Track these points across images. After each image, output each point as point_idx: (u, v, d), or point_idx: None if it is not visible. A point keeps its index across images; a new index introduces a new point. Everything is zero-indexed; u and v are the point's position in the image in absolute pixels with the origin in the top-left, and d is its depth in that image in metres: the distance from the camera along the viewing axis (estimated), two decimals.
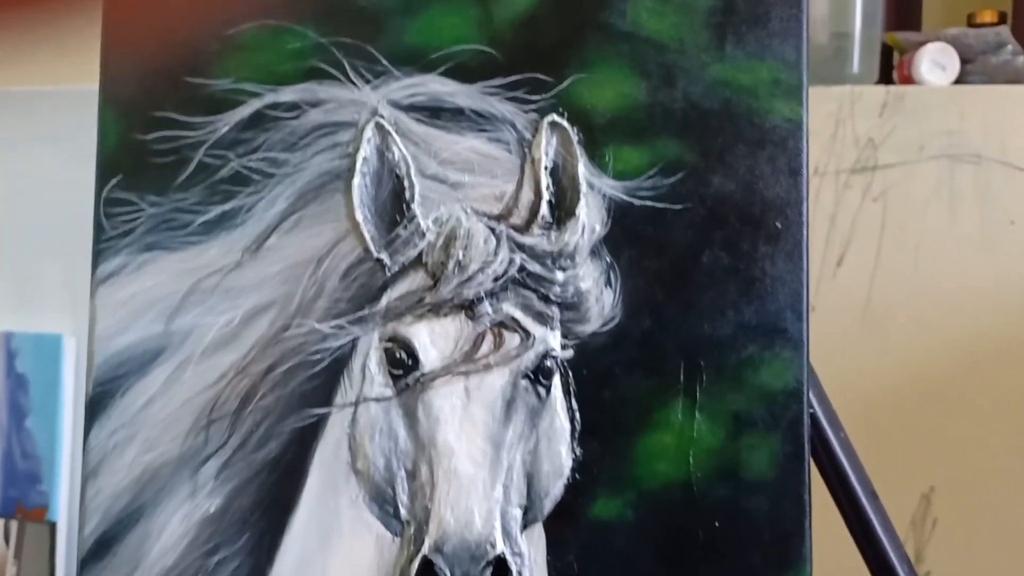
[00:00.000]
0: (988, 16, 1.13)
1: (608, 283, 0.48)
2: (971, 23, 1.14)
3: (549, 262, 0.48)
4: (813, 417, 0.51)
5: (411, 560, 0.46)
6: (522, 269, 0.48)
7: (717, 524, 0.47)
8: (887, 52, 1.18)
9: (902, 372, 1.13)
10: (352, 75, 0.48)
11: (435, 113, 0.48)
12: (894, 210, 1.11)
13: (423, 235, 0.48)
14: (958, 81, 1.10)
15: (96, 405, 0.46)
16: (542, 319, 0.48)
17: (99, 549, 0.46)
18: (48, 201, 1.18)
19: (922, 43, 1.10)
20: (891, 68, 1.16)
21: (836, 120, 1.10)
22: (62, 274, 1.20)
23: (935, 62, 1.10)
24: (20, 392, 1.20)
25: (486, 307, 0.48)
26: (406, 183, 0.48)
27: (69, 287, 1.19)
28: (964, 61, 1.11)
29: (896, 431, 1.13)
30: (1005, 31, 1.10)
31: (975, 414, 1.11)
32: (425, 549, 0.46)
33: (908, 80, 1.11)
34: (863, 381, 1.14)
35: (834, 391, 1.12)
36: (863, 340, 1.14)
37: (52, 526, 1.17)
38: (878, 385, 1.14)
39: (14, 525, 1.19)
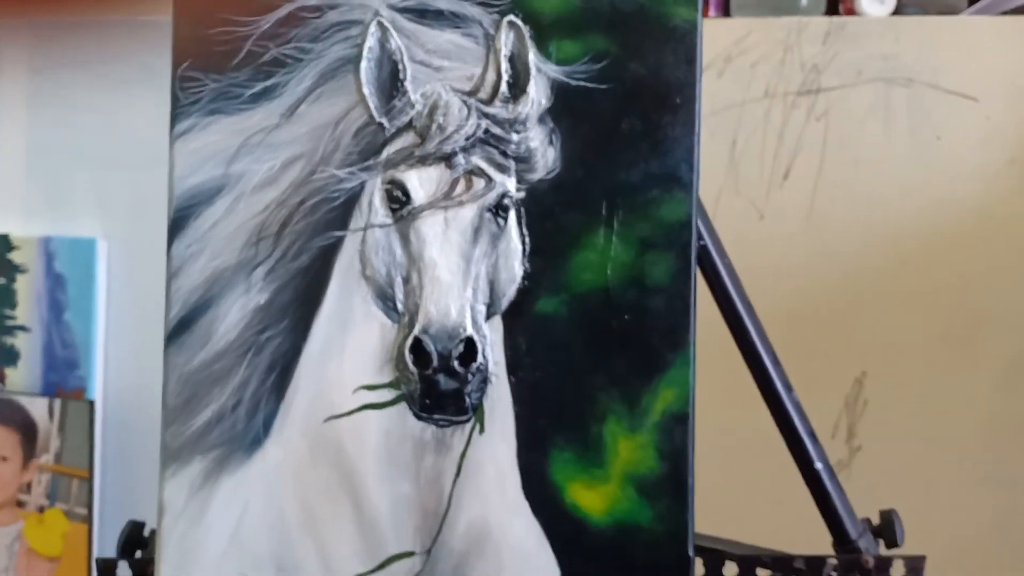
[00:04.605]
0: None
1: (551, 143, 0.63)
2: None
3: (507, 126, 0.63)
4: (704, 247, 0.67)
5: (405, 339, 0.62)
6: (487, 131, 0.63)
7: (627, 317, 0.62)
8: None
9: (840, 270, 1.20)
10: None
11: (422, 14, 0.63)
12: (835, 128, 1.20)
13: (413, 106, 0.63)
14: (896, 12, 1.21)
15: (176, 226, 0.62)
16: (502, 169, 0.63)
17: (180, 328, 0.62)
18: (76, 121, 1.26)
19: None
20: (837, 1, 1.27)
21: (785, 47, 1.21)
22: (92, 185, 1.28)
23: None
24: (58, 290, 1.27)
25: (460, 159, 0.63)
26: (400, 67, 0.63)
27: (99, 196, 1.28)
28: None
29: (833, 322, 1.21)
30: None
31: (904, 305, 1.21)
32: (416, 331, 0.61)
33: (851, 11, 1.22)
34: (806, 278, 1.24)
35: (781, 286, 1.25)
36: (807, 243, 1.23)
37: (91, 404, 1.24)
38: (820, 282, 1.24)
39: (57, 403, 1.25)
